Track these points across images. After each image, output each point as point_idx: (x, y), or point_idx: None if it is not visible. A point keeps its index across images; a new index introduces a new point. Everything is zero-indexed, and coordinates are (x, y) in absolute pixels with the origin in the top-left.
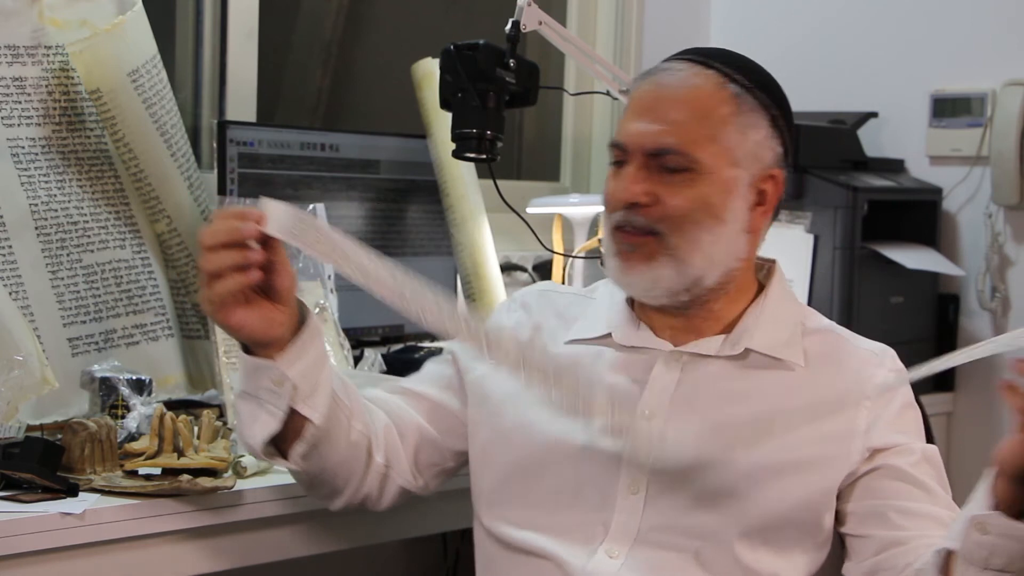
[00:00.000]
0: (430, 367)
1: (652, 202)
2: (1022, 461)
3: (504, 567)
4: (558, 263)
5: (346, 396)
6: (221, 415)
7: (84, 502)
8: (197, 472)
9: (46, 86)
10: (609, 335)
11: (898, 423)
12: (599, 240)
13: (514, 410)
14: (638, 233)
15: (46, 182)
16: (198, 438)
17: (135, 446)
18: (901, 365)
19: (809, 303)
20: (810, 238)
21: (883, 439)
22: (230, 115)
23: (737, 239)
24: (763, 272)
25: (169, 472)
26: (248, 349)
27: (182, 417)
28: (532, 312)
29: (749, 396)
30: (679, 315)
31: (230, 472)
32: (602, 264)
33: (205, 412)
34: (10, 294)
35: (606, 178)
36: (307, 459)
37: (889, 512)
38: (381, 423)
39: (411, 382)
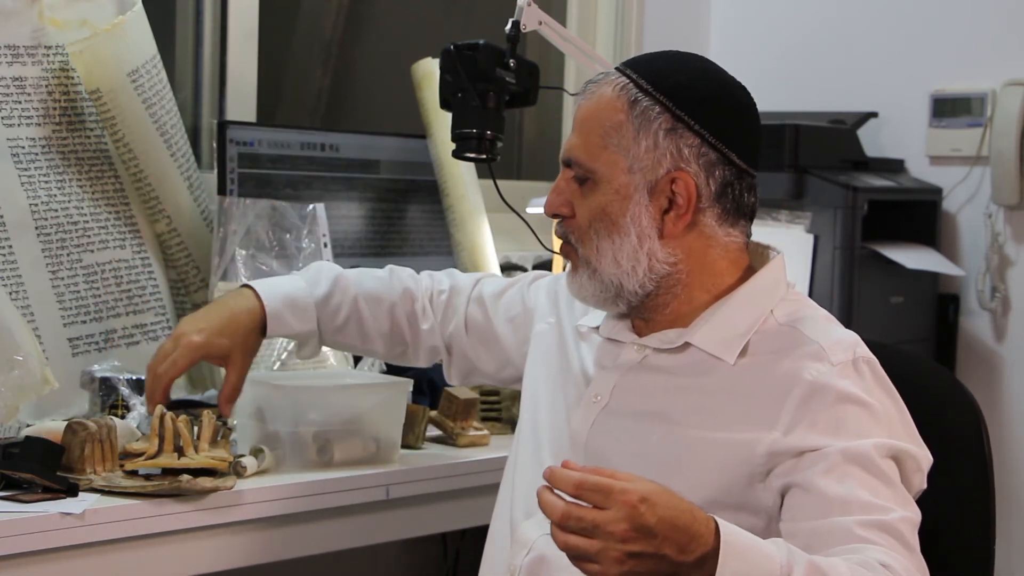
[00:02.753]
0: (511, 295)
1: (570, 214)
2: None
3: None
4: (558, 263)
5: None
6: (221, 415)
7: (84, 502)
8: (197, 472)
9: (46, 86)
10: (598, 326)
11: (825, 421)
12: None
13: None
14: (566, 244)
15: (46, 182)
16: (198, 438)
17: (135, 446)
18: (852, 356)
19: None
20: (810, 238)
21: (802, 441)
22: (230, 115)
23: (645, 245)
24: (762, 262)
25: (169, 472)
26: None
27: (182, 417)
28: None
29: (679, 393)
30: (641, 315)
31: (230, 472)
32: None
33: (205, 412)
34: (10, 294)
35: None
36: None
37: (799, 534)
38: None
39: (490, 291)
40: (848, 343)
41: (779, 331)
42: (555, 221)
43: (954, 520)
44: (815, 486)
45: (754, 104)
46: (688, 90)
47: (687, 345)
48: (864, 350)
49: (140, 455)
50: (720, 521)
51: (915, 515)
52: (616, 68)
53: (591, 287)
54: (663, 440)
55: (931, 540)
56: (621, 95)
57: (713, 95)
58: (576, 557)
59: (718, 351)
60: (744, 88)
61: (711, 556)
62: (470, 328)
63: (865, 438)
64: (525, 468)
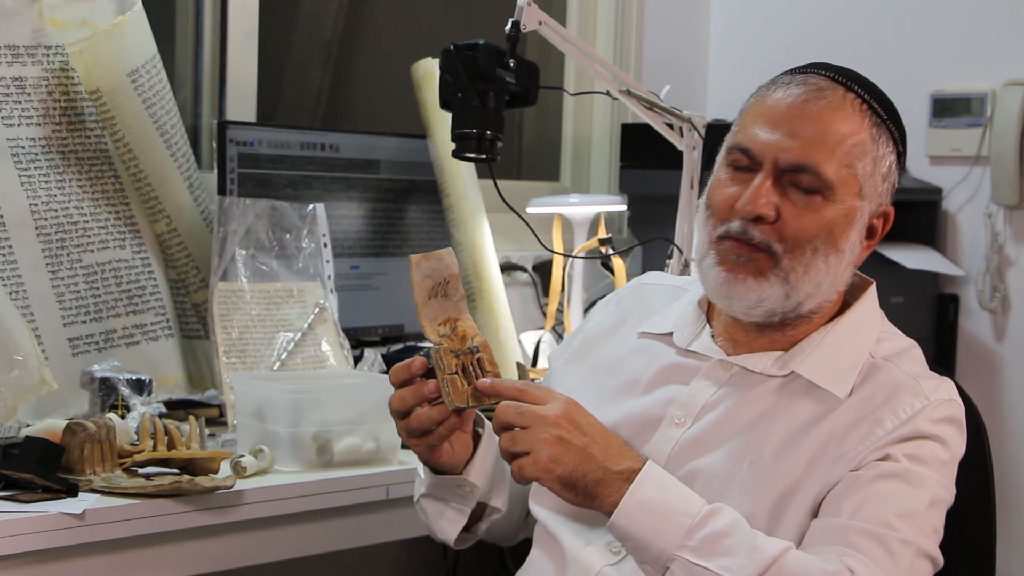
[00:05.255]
0: None
1: (774, 219)
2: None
3: (534, 543)
4: (558, 263)
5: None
6: (221, 415)
7: (84, 502)
8: (196, 471)
9: (46, 86)
10: (671, 334)
11: (902, 448)
12: (599, 240)
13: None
14: (752, 247)
15: (46, 182)
16: (187, 439)
17: (130, 448)
18: (949, 397)
19: None
20: None
21: (869, 457)
22: (230, 115)
23: (846, 271)
24: (853, 292)
25: (167, 463)
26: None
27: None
28: (622, 306)
29: (778, 422)
30: (750, 330)
31: (230, 471)
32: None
33: (190, 417)
34: (10, 294)
35: (713, 181)
36: (489, 531)
37: (811, 529)
38: None
39: None
40: (946, 386)
41: (873, 365)
42: (732, 221)
43: (955, 521)
44: (851, 488)
45: None
46: (901, 124)
47: (794, 374)
48: (957, 395)
49: (137, 455)
50: (653, 464)
51: (931, 550)
52: (829, 77)
53: (773, 299)
54: (751, 468)
55: None
56: (865, 116)
57: (903, 127)
58: (511, 448)
59: (829, 384)
60: None
61: (636, 476)
62: None
63: (923, 468)
64: None
